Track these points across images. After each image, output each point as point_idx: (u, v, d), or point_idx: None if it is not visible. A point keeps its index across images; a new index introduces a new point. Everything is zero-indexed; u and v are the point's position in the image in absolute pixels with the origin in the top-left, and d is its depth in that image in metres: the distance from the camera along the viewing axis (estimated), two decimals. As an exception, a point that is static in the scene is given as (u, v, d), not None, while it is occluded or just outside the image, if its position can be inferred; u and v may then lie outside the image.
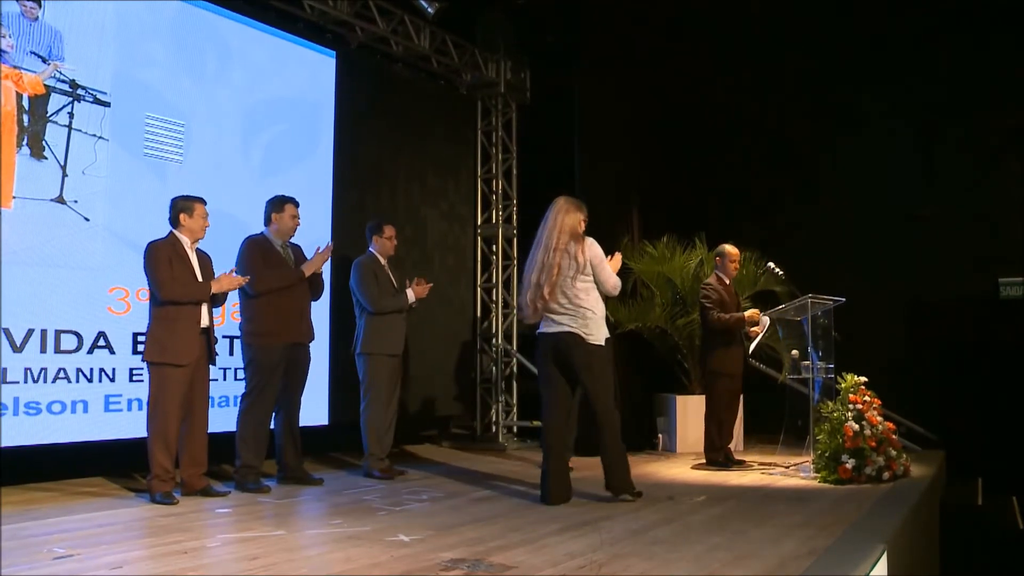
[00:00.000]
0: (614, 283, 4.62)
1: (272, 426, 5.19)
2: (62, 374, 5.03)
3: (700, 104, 8.70)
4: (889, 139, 8.31)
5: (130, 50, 5.50)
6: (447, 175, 8.22)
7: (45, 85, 5.05)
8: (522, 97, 8.82)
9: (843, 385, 5.61)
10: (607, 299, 4.70)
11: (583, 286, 4.52)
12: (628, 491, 4.58)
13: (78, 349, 5.12)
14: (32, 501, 4.55)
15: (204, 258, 4.82)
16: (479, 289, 8.58)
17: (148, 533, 3.93)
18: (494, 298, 8.59)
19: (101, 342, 5.23)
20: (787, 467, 5.92)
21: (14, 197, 4.86)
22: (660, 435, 7.34)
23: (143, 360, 4.64)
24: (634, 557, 3.32)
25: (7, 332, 4.79)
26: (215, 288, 4.68)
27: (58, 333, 5.03)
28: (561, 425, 4.61)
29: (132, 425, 5.22)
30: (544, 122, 8.59)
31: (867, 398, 5.54)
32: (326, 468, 6.03)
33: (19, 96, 4.93)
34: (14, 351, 4.82)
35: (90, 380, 5.17)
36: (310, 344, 5.31)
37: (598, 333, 4.53)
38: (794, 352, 6.08)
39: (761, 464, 6.24)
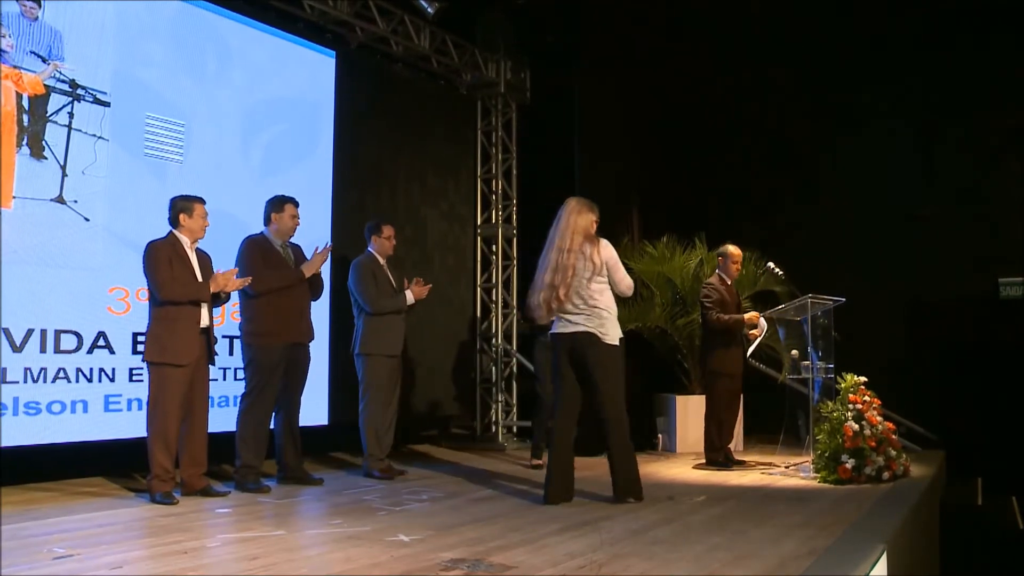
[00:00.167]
0: (629, 284, 4.67)
1: (272, 426, 5.19)
2: (62, 374, 5.03)
3: (700, 104, 8.70)
4: (889, 139, 8.31)
5: (130, 50, 5.50)
6: (447, 175, 8.22)
7: (45, 85, 5.05)
8: (522, 97, 8.82)
9: (843, 385, 5.61)
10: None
11: (598, 287, 4.54)
12: (634, 494, 4.57)
13: (78, 349, 5.12)
14: (32, 501, 4.55)
15: (204, 258, 4.81)
16: (479, 289, 8.58)
17: (148, 533, 3.92)
18: (494, 298, 8.59)
19: (101, 342, 5.23)
20: (787, 467, 5.92)
21: (14, 197, 4.86)
22: (660, 435, 7.35)
23: (143, 360, 4.64)
24: (634, 557, 3.32)
25: (7, 332, 4.79)
26: (213, 287, 4.67)
27: (58, 333, 5.03)
28: (568, 425, 4.61)
29: (132, 425, 5.22)
30: (544, 122, 8.59)
31: (867, 398, 5.54)
32: (326, 468, 6.03)
33: (19, 96, 4.93)
34: (14, 351, 4.82)
35: (90, 380, 5.17)
36: (310, 344, 5.30)
37: (613, 333, 4.55)
38: (794, 352, 6.08)
39: (759, 464, 6.24)
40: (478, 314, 8.56)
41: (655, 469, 6.08)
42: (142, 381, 5.13)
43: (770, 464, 6.19)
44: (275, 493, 4.88)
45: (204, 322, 4.67)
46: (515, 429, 8.35)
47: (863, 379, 5.63)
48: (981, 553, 5.87)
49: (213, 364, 4.79)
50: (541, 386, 6.19)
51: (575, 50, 8.20)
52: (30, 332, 4.90)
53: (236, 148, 6.15)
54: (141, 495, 4.69)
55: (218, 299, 4.79)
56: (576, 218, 4.57)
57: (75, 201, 5.14)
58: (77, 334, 5.12)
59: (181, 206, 4.70)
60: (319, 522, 4.22)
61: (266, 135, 6.36)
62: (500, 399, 8.43)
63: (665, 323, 7.49)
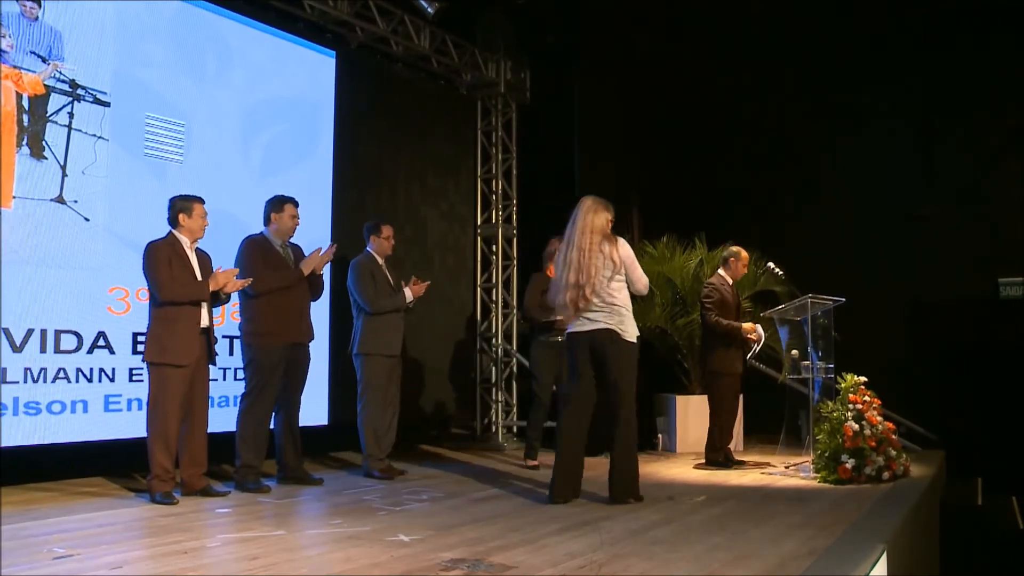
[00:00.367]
0: (645, 282, 4.72)
1: (272, 426, 5.19)
2: (62, 374, 5.04)
3: (700, 104, 8.70)
4: (889, 139, 8.31)
5: (130, 50, 5.50)
6: (447, 175, 8.22)
7: (45, 85, 5.05)
8: (522, 97, 8.82)
9: (843, 385, 5.61)
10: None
11: (617, 285, 4.59)
12: (634, 495, 4.58)
13: (78, 349, 5.12)
14: (32, 501, 4.54)
15: (204, 258, 4.81)
16: (479, 289, 8.59)
17: (148, 533, 3.92)
18: (494, 298, 8.59)
19: (101, 342, 5.23)
20: (787, 467, 5.92)
21: (14, 197, 4.86)
22: (660, 435, 7.35)
23: (143, 360, 4.63)
24: (634, 557, 3.32)
25: (7, 332, 4.80)
26: (212, 286, 4.67)
27: (58, 333, 5.03)
28: (581, 424, 4.61)
29: (132, 425, 5.22)
30: (544, 122, 8.59)
31: (867, 398, 5.54)
32: (326, 468, 6.03)
33: (19, 96, 4.93)
34: (14, 351, 4.82)
35: (90, 380, 5.17)
36: (310, 344, 5.30)
37: (631, 330, 4.60)
38: (794, 352, 6.07)
39: (758, 464, 6.23)
40: (478, 314, 8.56)
41: (655, 469, 6.08)
42: (142, 381, 5.13)
43: (766, 464, 6.19)
44: (275, 493, 4.88)
45: (204, 322, 4.67)
46: (515, 429, 8.35)
47: (863, 379, 5.64)
48: (981, 553, 5.87)
49: (214, 364, 4.79)
50: (538, 385, 6.18)
51: (575, 50, 8.20)
52: (30, 332, 4.90)
53: (236, 148, 6.15)
54: (141, 495, 4.69)
55: (218, 299, 4.79)
56: (593, 217, 4.59)
57: (75, 201, 5.14)
58: (77, 334, 5.12)
59: (180, 206, 4.70)
60: (319, 522, 4.22)
61: (266, 135, 6.36)
62: (500, 399, 8.43)
63: (665, 323, 7.49)
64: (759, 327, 6.17)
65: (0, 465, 4.65)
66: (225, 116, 6.08)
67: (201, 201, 4.76)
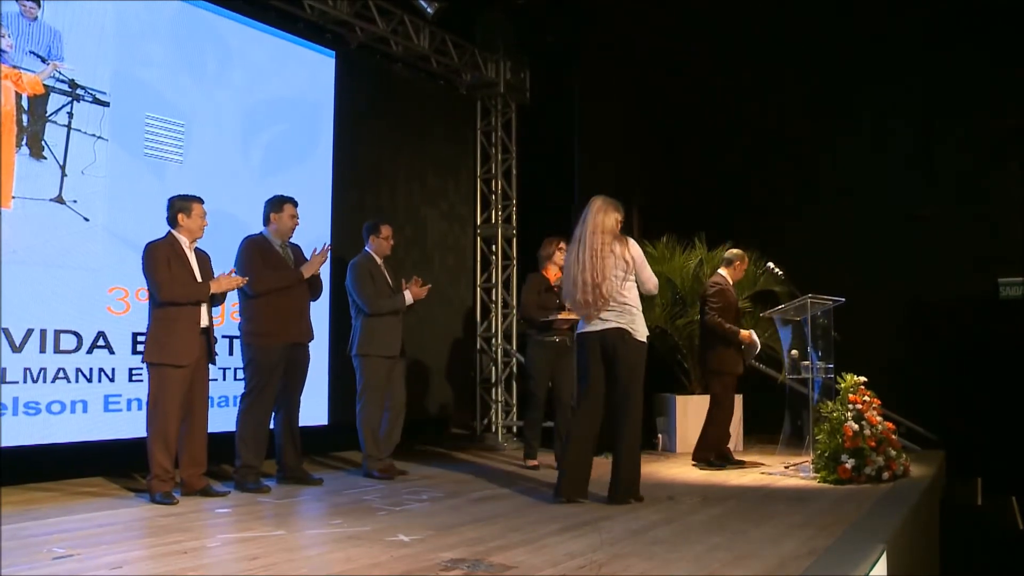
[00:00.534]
0: (655, 282, 4.75)
1: (272, 426, 5.19)
2: (62, 374, 5.03)
3: (700, 104, 8.70)
4: (889, 139, 8.31)
5: (130, 50, 5.50)
6: (447, 175, 8.22)
7: (44, 85, 5.05)
8: (522, 97, 8.82)
9: (843, 385, 5.61)
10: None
11: (628, 284, 4.61)
12: (635, 495, 4.59)
13: (78, 349, 5.12)
14: (32, 501, 4.54)
15: (203, 257, 4.81)
16: (479, 289, 8.59)
17: (148, 533, 3.92)
18: (494, 298, 8.59)
19: (101, 342, 5.23)
20: (787, 467, 5.92)
21: (13, 197, 4.86)
22: (660, 435, 7.35)
23: (143, 361, 4.63)
24: (634, 557, 3.32)
25: (7, 332, 4.79)
26: (214, 288, 4.67)
27: (57, 333, 5.03)
28: (592, 423, 4.60)
29: (132, 425, 5.21)
30: (544, 122, 8.59)
31: (867, 398, 5.54)
32: (326, 468, 6.03)
33: (18, 96, 4.93)
34: (14, 351, 4.82)
35: (90, 380, 5.16)
36: (309, 344, 5.30)
37: (642, 329, 4.62)
38: (794, 352, 6.08)
39: (753, 464, 6.22)
40: (478, 314, 8.56)
41: (655, 469, 6.08)
42: (142, 381, 5.13)
43: (759, 464, 6.19)
44: (275, 493, 4.87)
45: (204, 322, 4.67)
46: (515, 429, 8.35)
47: (863, 379, 5.64)
48: (981, 553, 5.88)
49: (213, 364, 4.79)
50: (534, 384, 6.17)
51: (575, 50, 8.20)
52: (30, 332, 4.90)
53: (236, 148, 6.15)
54: (141, 495, 4.69)
55: (215, 298, 4.78)
56: (603, 217, 4.60)
57: (75, 201, 5.14)
58: (77, 334, 5.12)
59: (179, 206, 4.69)
60: (319, 522, 4.21)
61: (266, 135, 6.36)
62: (500, 399, 8.43)
63: (665, 323, 7.49)
64: (755, 336, 6.19)
65: (0, 465, 4.65)
66: (225, 116, 6.08)
67: (200, 201, 4.75)
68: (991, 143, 7.86)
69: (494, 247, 8.61)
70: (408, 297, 5.64)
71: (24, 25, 4.96)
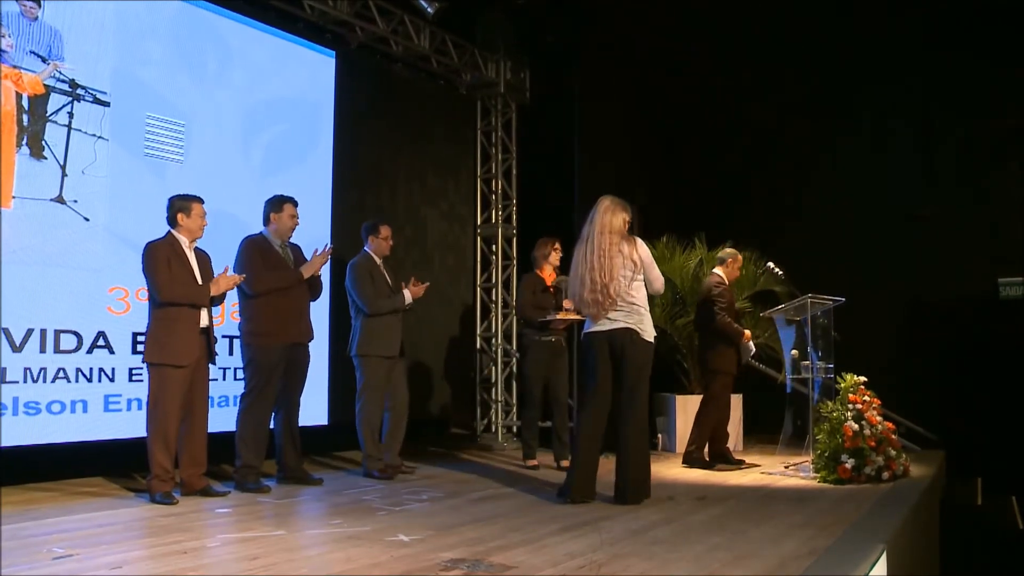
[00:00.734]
0: (662, 283, 4.77)
1: (272, 426, 5.19)
2: (61, 374, 5.03)
3: (700, 104, 8.70)
4: (889, 139, 8.31)
5: (130, 50, 5.50)
6: (447, 175, 8.22)
7: (45, 85, 5.05)
8: (522, 97, 8.82)
9: (843, 385, 5.61)
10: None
11: (636, 285, 4.61)
12: (645, 495, 4.59)
13: (77, 349, 5.12)
14: (32, 501, 4.54)
15: (203, 257, 4.81)
16: (479, 289, 8.58)
17: (148, 533, 3.92)
18: (494, 298, 8.59)
19: (101, 342, 5.23)
20: (787, 467, 5.92)
21: (14, 197, 4.86)
22: (660, 435, 7.35)
23: (143, 361, 4.63)
24: (634, 557, 3.32)
25: (7, 332, 4.79)
26: (214, 291, 4.67)
27: (57, 333, 5.03)
28: (600, 423, 4.60)
29: (132, 425, 5.21)
30: (544, 122, 8.59)
31: (867, 398, 5.54)
32: (326, 468, 6.03)
33: (19, 96, 4.93)
34: (14, 351, 4.82)
35: (89, 380, 5.16)
36: (309, 344, 5.30)
37: (649, 330, 4.63)
38: (794, 352, 6.08)
39: (751, 465, 6.21)
40: (478, 314, 8.56)
41: (655, 469, 5.99)
42: (142, 381, 5.13)
43: (753, 464, 6.19)
44: (275, 493, 4.87)
45: (204, 322, 4.67)
46: (515, 429, 8.34)
47: (863, 379, 5.64)
48: (981, 553, 5.88)
49: (213, 364, 4.78)
50: (530, 384, 6.17)
51: (575, 50, 8.20)
52: (30, 332, 4.90)
53: (236, 148, 6.15)
54: (141, 495, 4.69)
55: (215, 299, 4.78)
56: (611, 218, 4.61)
57: (75, 201, 5.14)
58: (77, 334, 5.12)
59: (179, 206, 4.69)
60: (319, 522, 4.21)
61: (266, 135, 6.36)
62: (500, 399, 8.43)
63: (665, 323, 7.49)
64: (751, 343, 6.22)
65: (0, 465, 4.65)
66: (225, 116, 6.08)
67: (200, 201, 4.75)
68: (991, 143, 7.86)
69: (494, 247, 8.61)
70: (407, 297, 5.64)
71: (24, 25, 4.96)
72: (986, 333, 7.68)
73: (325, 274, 5.48)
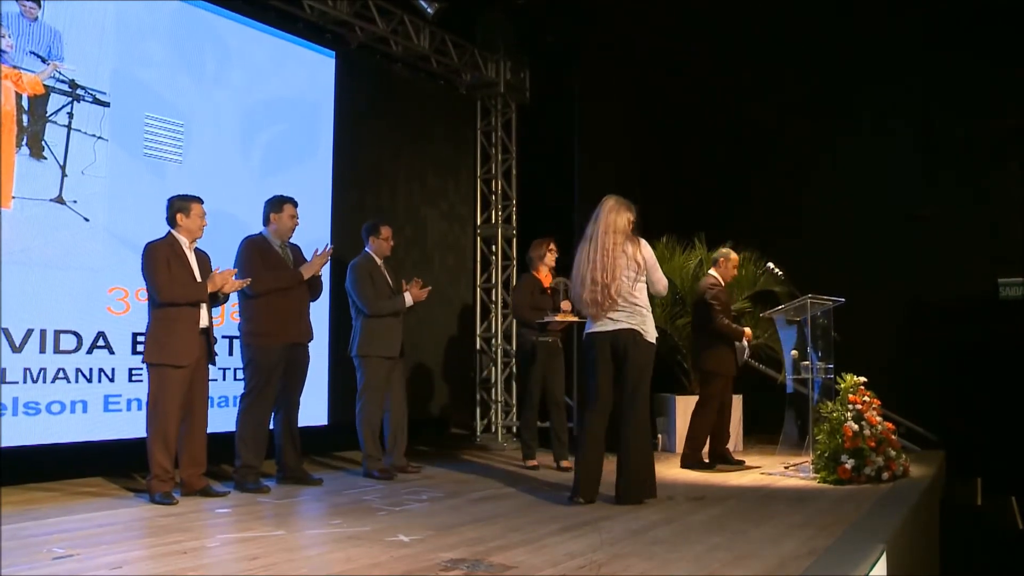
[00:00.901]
0: (665, 284, 4.76)
1: (272, 426, 5.19)
2: (61, 374, 5.03)
3: (700, 104, 8.70)
4: (889, 139, 8.31)
5: (129, 50, 5.50)
6: (447, 175, 8.22)
7: (44, 85, 5.05)
8: (522, 97, 8.82)
9: (843, 385, 5.61)
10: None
11: (639, 286, 4.61)
12: (650, 494, 4.59)
13: (77, 349, 5.12)
14: (32, 501, 4.54)
15: (203, 257, 4.81)
16: (479, 289, 8.58)
17: (148, 533, 3.92)
18: (493, 298, 8.59)
19: (100, 342, 5.23)
20: (787, 467, 5.92)
21: (13, 197, 4.86)
22: (659, 435, 7.34)
23: (143, 361, 4.63)
24: (634, 557, 3.32)
25: (7, 332, 4.79)
26: (210, 287, 4.66)
27: (57, 333, 5.03)
28: (603, 424, 4.60)
29: (132, 425, 5.21)
30: (544, 122, 8.59)
31: (866, 398, 5.54)
32: (326, 468, 6.03)
33: (18, 96, 4.93)
34: (13, 351, 4.82)
35: (89, 380, 5.16)
36: (309, 344, 5.30)
37: (651, 331, 4.62)
38: (794, 352, 6.08)
39: (749, 466, 6.20)
40: (478, 314, 8.56)
41: (655, 469, 6.06)
42: (142, 381, 5.13)
43: (745, 464, 6.19)
44: (275, 493, 4.87)
45: (203, 322, 4.67)
46: (514, 429, 8.34)
47: (863, 379, 5.64)
48: (981, 553, 5.88)
49: (213, 364, 4.78)
50: (529, 384, 6.16)
51: (575, 50, 8.20)
52: (30, 332, 4.90)
53: (236, 148, 6.15)
54: (141, 495, 4.69)
55: (216, 299, 4.78)
56: (615, 217, 4.61)
57: (75, 201, 5.14)
58: (77, 334, 5.12)
59: (178, 206, 4.69)
60: (319, 522, 4.21)
61: (266, 135, 6.36)
62: (499, 399, 8.43)
63: (665, 323, 7.48)
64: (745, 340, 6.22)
65: (0, 465, 4.65)
66: (225, 116, 6.08)
67: (199, 201, 4.75)
68: (991, 143, 7.85)
69: (494, 247, 8.61)
70: (408, 299, 5.64)
71: (24, 25, 4.96)
72: (986, 333, 7.67)
73: (325, 274, 5.48)
